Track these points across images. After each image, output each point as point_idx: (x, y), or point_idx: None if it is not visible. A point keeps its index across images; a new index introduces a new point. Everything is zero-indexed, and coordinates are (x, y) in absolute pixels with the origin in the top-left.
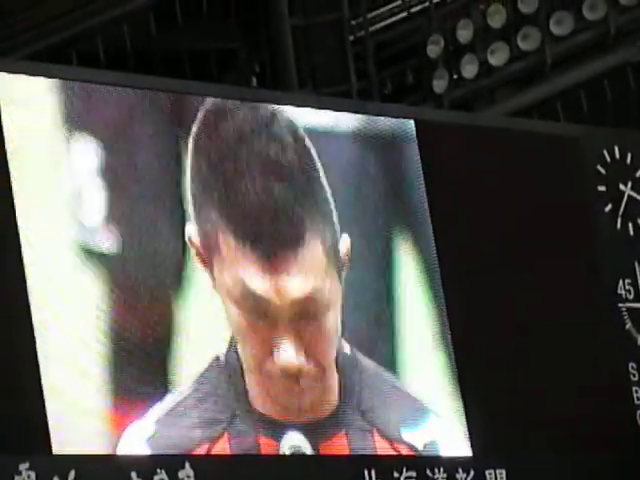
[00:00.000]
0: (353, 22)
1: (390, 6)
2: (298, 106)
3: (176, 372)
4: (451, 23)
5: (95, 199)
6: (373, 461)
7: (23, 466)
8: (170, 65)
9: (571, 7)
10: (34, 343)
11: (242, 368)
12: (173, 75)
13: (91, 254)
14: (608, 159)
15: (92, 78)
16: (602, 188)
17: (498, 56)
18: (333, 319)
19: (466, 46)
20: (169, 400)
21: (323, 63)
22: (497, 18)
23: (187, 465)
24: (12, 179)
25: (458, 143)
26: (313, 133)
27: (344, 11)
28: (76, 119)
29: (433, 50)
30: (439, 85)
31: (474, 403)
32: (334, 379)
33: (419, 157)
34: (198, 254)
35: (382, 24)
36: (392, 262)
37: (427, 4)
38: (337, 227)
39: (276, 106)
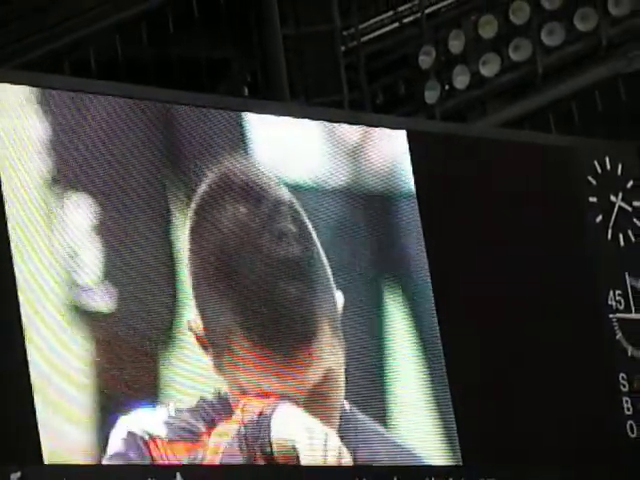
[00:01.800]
0: (345, 32)
1: (382, 17)
2: (290, 116)
3: None
4: (443, 34)
5: (89, 256)
6: (364, 471)
7: (15, 476)
8: (162, 74)
9: (562, 18)
10: (27, 369)
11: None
12: (164, 84)
13: (82, 312)
14: (599, 170)
15: (83, 88)
16: (593, 199)
17: (490, 67)
18: (339, 387)
19: (458, 57)
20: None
21: (315, 73)
22: (488, 29)
23: (178, 475)
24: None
25: (449, 154)
26: (301, 190)
27: (336, 21)
28: (66, 131)
29: (425, 61)
30: (431, 96)
31: (465, 413)
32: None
33: (418, 212)
34: (198, 339)
35: (374, 35)
36: (383, 314)
37: (419, 15)
38: (333, 290)
39: (275, 191)
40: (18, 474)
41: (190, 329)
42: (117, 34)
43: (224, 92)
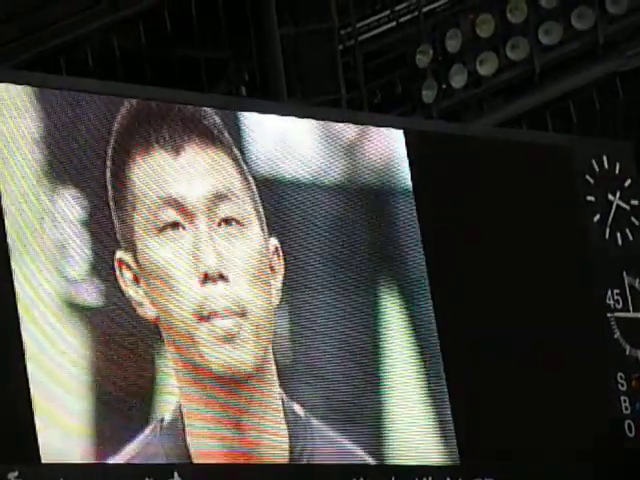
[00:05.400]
0: (342, 32)
1: (379, 16)
2: (287, 115)
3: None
4: (440, 33)
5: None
6: (362, 470)
7: (12, 474)
8: (160, 74)
9: (560, 17)
10: (25, 369)
11: (184, 424)
12: (162, 84)
13: (74, 307)
14: (597, 169)
15: (79, 87)
16: (591, 198)
17: (487, 66)
18: (255, 238)
19: (455, 56)
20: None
21: (312, 72)
22: (486, 28)
23: (175, 474)
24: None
25: (447, 153)
26: (297, 185)
27: (333, 21)
28: (60, 128)
29: (422, 60)
30: (428, 95)
31: (463, 413)
32: (275, 390)
33: (414, 208)
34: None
35: (371, 34)
36: (377, 315)
37: (416, 14)
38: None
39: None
40: (15, 473)
41: (121, 264)
42: (115, 33)
43: (222, 92)
